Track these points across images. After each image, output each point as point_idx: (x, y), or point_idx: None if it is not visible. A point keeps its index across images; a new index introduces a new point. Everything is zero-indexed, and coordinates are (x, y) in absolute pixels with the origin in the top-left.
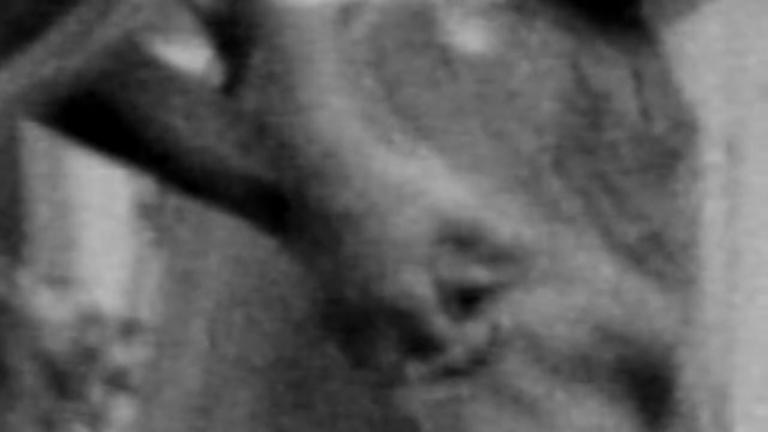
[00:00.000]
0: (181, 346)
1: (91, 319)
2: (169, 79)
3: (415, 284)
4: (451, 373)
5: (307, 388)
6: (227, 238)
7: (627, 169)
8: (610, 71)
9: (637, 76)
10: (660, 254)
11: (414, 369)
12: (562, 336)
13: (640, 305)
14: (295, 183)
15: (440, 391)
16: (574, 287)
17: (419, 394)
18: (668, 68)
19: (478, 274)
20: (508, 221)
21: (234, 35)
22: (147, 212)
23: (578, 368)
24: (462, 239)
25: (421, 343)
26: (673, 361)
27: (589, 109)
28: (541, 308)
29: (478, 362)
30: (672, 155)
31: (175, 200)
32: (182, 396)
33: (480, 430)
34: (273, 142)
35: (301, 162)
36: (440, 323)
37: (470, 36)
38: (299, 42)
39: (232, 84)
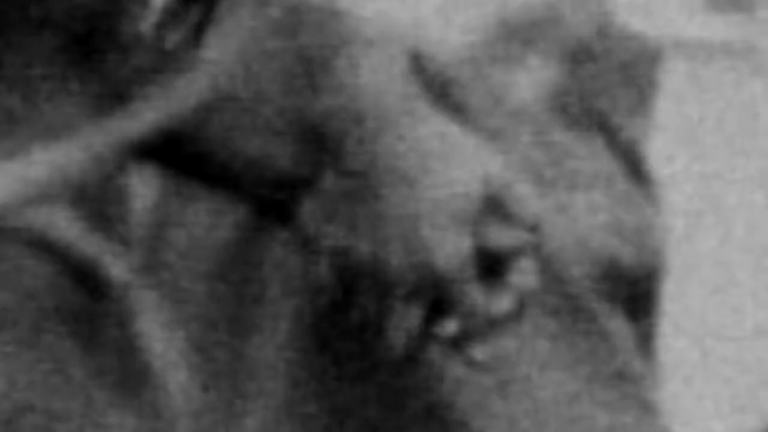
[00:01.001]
0: None
1: None
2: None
3: (458, 247)
4: (484, 332)
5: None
6: (192, 219)
7: (618, 106)
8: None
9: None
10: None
11: (444, 329)
12: (598, 246)
13: (643, 217)
14: (337, 139)
15: (478, 351)
16: (597, 194)
17: (450, 361)
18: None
19: (512, 239)
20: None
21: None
22: None
23: (607, 280)
24: (499, 206)
25: (450, 308)
26: (660, 273)
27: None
28: (579, 217)
29: (512, 318)
30: (650, 87)
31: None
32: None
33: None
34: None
35: (346, 117)
36: (475, 287)
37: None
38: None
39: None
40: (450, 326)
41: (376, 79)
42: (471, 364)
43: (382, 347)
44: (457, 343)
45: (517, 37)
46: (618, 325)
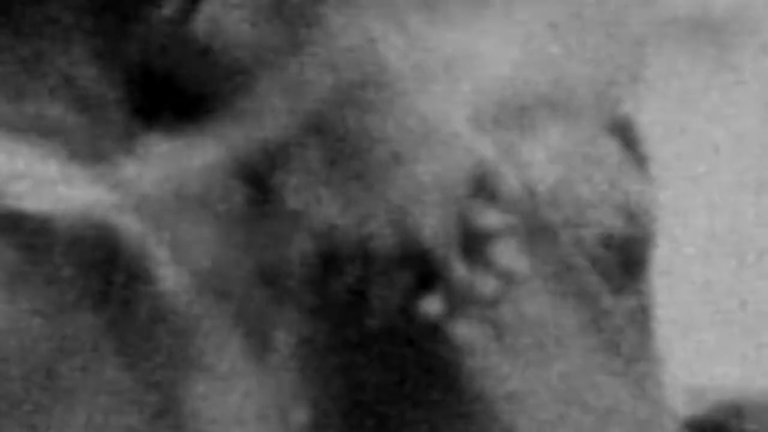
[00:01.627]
0: None
1: None
2: None
3: (444, 224)
4: (469, 312)
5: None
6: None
7: None
8: None
9: None
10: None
11: (429, 305)
12: (592, 222)
13: (633, 192)
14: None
15: (462, 331)
16: (585, 190)
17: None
18: None
19: (498, 219)
20: (521, 171)
21: None
22: None
23: (600, 253)
24: (486, 187)
25: (434, 285)
26: (651, 243)
27: None
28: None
29: (505, 293)
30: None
31: None
32: None
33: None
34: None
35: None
36: (460, 265)
37: None
38: None
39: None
40: (434, 303)
41: (365, 68)
42: (455, 343)
43: (365, 328)
44: (441, 322)
45: None
46: (611, 299)
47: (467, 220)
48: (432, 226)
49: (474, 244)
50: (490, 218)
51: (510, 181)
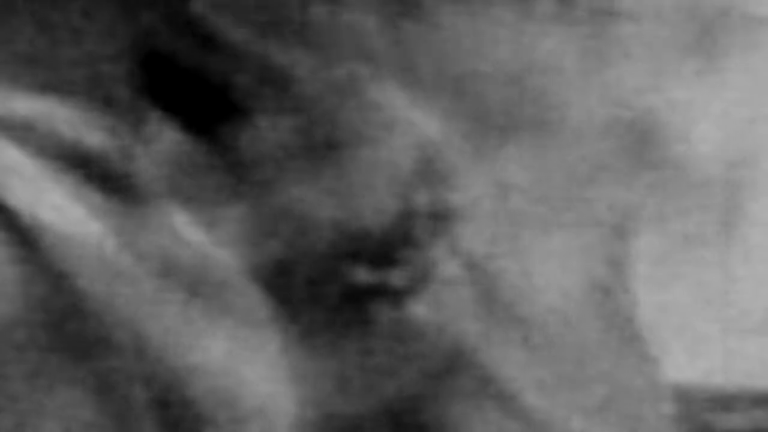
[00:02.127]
0: None
1: None
2: None
3: (394, 209)
4: (429, 291)
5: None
6: None
7: None
8: None
9: None
10: None
11: (390, 279)
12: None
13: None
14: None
15: (420, 308)
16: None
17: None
18: None
19: (450, 199)
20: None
21: None
22: None
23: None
24: (435, 172)
25: (395, 263)
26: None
27: None
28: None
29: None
30: None
31: None
32: None
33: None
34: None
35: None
36: (418, 247)
37: None
38: None
39: None
40: (395, 277)
41: (354, 65)
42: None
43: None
44: (400, 299)
45: None
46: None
47: (434, 202)
48: (400, 206)
49: (440, 225)
50: (455, 201)
51: (456, 162)
